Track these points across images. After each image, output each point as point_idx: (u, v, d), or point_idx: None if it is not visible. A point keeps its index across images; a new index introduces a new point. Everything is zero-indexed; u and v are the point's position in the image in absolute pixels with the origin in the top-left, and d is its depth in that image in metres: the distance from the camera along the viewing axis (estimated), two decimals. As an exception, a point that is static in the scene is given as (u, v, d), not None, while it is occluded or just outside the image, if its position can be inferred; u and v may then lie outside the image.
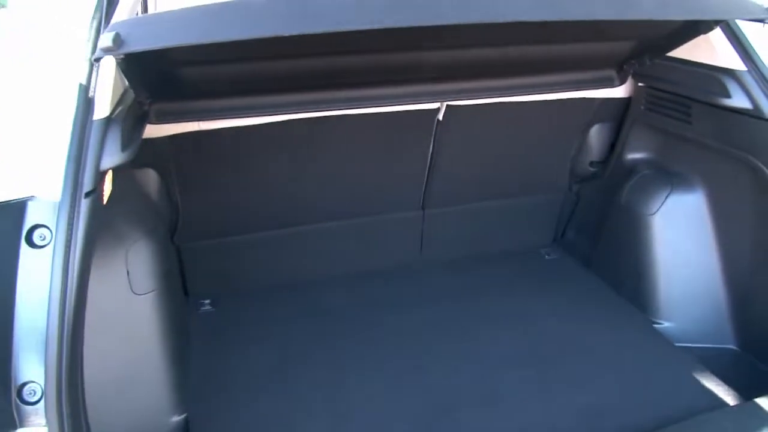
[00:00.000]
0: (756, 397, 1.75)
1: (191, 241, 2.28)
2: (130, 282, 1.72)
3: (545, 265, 2.65)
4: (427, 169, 2.38)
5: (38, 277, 1.18)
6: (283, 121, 2.02)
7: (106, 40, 1.11)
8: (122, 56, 1.20)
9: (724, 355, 2.07)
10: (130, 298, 1.73)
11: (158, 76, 1.67)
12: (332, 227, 2.43)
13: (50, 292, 1.17)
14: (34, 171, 1.25)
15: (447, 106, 2.17)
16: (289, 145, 2.14)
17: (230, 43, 1.16)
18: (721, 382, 1.91)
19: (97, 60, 1.24)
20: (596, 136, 2.49)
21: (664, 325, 2.18)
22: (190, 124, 1.97)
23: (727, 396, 1.86)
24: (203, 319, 2.28)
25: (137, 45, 1.14)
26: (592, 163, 2.55)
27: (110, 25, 1.19)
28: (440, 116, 2.21)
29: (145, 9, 1.75)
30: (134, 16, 1.52)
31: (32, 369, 1.15)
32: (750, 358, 2.02)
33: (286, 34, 1.15)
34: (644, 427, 1.72)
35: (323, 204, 2.37)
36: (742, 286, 2.05)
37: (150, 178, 2.08)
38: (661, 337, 2.14)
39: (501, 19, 1.27)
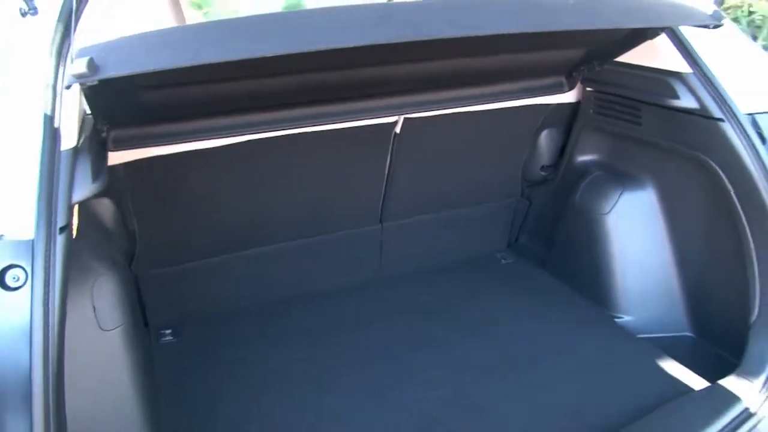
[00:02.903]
0: (716, 379, 1.85)
1: (149, 270, 2.21)
2: (97, 318, 1.65)
3: (502, 269, 2.71)
4: (384, 182, 2.39)
5: (16, 320, 1.12)
6: (237, 143, 1.99)
7: (80, 65, 1.07)
8: (96, 82, 1.15)
9: (682, 343, 2.16)
10: (98, 335, 1.66)
11: (118, 101, 1.62)
12: (292, 247, 2.40)
13: (32, 335, 1.11)
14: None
15: (405, 119, 2.20)
16: (244, 166, 2.11)
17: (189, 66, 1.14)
18: (684, 369, 2.00)
19: (68, 87, 1.20)
20: (546, 141, 2.56)
21: (624, 318, 2.27)
22: (144, 150, 1.91)
23: (691, 381, 1.95)
24: (165, 349, 2.21)
25: (114, 70, 1.10)
26: (543, 168, 2.63)
27: (80, 50, 1.15)
28: (398, 129, 2.24)
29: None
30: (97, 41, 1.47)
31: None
32: (706, 344, 2.13)
33: (271, 54, 1.15)
34: (623, 419, 1.78)
35: (282, 224, 2.34)
36: (695, 277, 2.16)
37: (106, 208, 2.00)
38: (623, 331, 2.22)
39: (452, 35, 1.31)
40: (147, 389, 1.78)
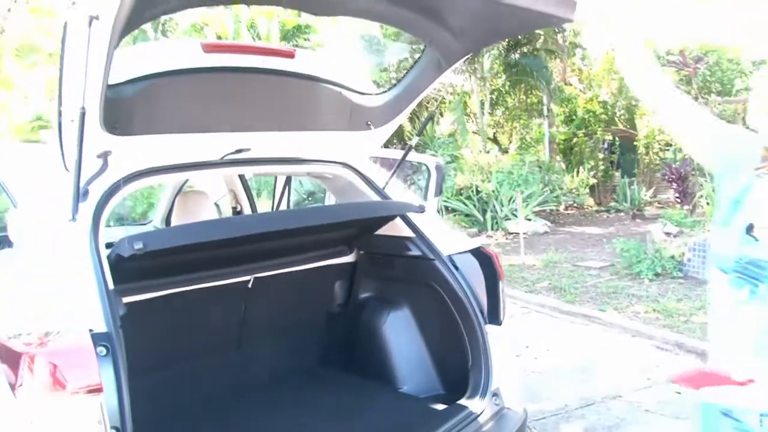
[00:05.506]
0: None
1: None
2: None
3: (320, 378, 3.94)
4: (241, 321, 3.58)
5: (111, 373, 2.17)
6: (145, 299, 3.01)
7: (139, 244, 2.28)
8: (143, 252, 2.32)
9: (438, 397, 3.55)
10: None
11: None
12: (167, 375, 3.37)
13: (119, 381, 2.17)
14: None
15: (254, 277, 3.46)
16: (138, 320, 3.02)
17: None
18: (442, 406, 3.36)
19: (132, 257, 2.34)
20: (339, 287, 3.97)
21: (404, 388, 3.61)
22: None
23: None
24: None
25: (156, 246, 2.32)
26: (338, 305, 4.01)
27: (131, 236, 2.34)
28: (250, 285, 3.48)
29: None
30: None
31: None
32: (450, 393, 3.52)
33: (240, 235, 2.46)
34: None
35: (158, 359, 3.28)
36: (438, 355, 3.61)
37: None
38: (403, 395, 3.56)
39: (281, 228, 2.80)
40: None
